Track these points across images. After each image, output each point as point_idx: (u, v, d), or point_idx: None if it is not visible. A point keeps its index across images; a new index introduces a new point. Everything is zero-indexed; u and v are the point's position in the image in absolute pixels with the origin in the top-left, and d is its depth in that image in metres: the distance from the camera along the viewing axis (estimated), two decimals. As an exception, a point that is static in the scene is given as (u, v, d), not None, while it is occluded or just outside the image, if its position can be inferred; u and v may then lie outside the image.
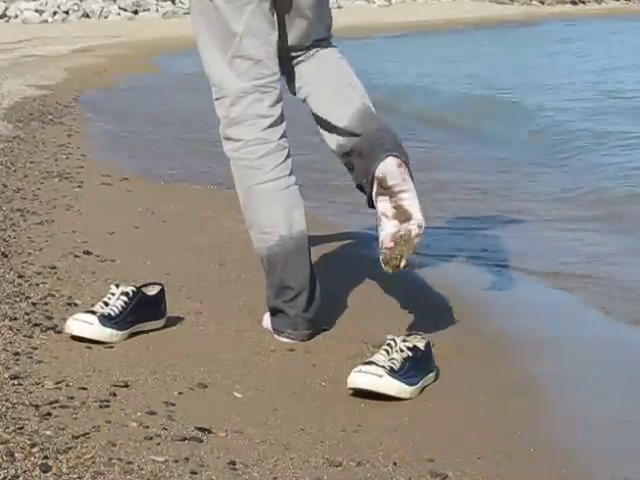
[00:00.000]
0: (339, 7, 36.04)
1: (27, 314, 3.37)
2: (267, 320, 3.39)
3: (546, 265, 4.45)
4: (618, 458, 2.56)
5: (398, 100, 11.14)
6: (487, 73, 14.98)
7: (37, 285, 3.72)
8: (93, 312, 3.21)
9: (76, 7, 32.09)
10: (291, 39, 3.29)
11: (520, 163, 7.45)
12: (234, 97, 3.21)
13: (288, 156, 3.27)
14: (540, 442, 2.60)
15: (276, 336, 3.32)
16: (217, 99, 3.27)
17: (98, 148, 7.46)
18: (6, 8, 31.05)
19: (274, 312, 3.32)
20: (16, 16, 30.94)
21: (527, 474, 2.44)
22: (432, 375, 2.99)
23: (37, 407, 2.61)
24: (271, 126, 3.24)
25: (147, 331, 3.30)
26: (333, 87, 3.28)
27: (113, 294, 3.27)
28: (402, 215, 3.06)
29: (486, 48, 21.52)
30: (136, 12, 32.82)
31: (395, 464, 2.44)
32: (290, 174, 3.27)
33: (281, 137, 3.26)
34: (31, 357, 2.99)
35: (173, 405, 2.70)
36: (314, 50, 3.32)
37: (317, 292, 3.31)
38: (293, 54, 3.32)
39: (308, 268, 3.27)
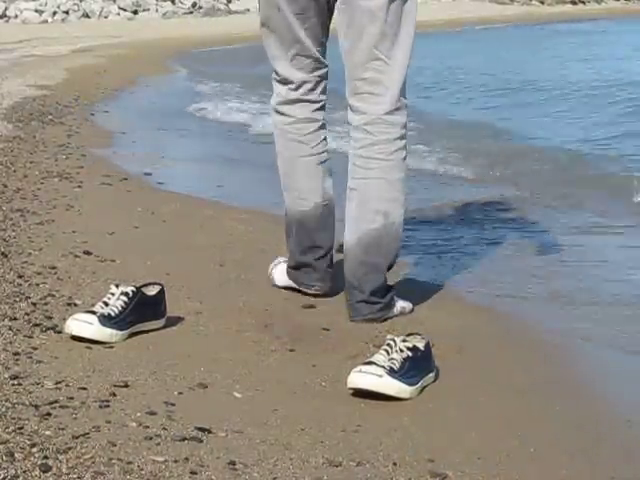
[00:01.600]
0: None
1: (27, 314, 3.37)
2: (281, 273, 3.80)
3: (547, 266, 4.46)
4: (618, 458, 2.56)
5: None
6: None
7: (37, 285, 3.72)
8: (93, 312, 3.21)
9: (76, 7, 32.08)
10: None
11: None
12: (295, 84, 3.69)
13: (326, 136, 3.77)
14: (540, 442, 2.60)
15: (302, 289, 3.74)
16: (277, 81, 3.75)
17: (100, 149, 7.47)
18: (6, 8, 31.05)
19: (300, 267, 3.74)
20: (16, 16, 30.94)
21: (527, 474, 2.44)
22: (432, 375, 2.99)
23: (37, 407, 2.60)
24: (319, 109, 3.73)
25: (147, 331, 3.30)
26: (359, 205, 3.53)
27: (113, 294, 3.27)
28: None
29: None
30: (136, 12, 32.82)
31: (395, 464, 2.44)
32: (326, 150, 3.76)
33: (323, 121, 3.75)
34: (31, 357, 2.99)
35: (173, 405, 2.70)
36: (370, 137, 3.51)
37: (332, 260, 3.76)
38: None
39: (333, 230, 3.75)
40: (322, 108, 3.73)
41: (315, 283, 3.73)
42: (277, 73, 3.71)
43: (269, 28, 3.65)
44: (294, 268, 3.75)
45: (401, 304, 3.62)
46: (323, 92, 3.72)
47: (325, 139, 3.75)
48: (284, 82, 3.70)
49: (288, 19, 3.58)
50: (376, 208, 3.48)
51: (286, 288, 3.81)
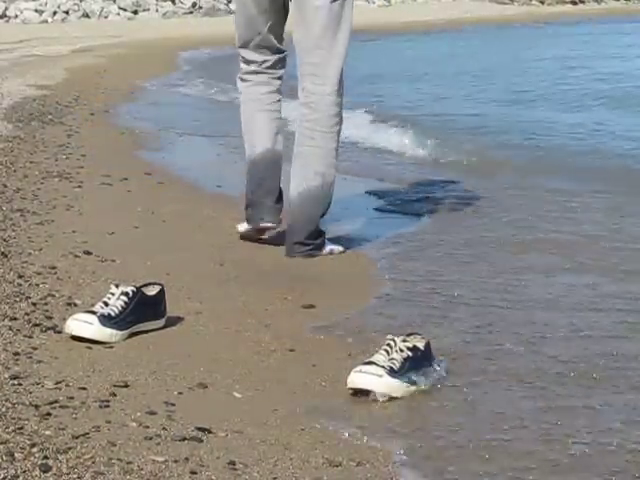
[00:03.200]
0: (339, 7, 36.00)
1: (27, 314, 3.37)
2: (242, 225, 4.57)
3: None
4: (618, 459, 2.55)
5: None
6: None
7: (37, 285, 3.72)
8: (93, 312, 3.21)
9: (76, 7, 32.07)
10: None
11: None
12: (258, 63, 4.53)
13: (280, 103, 4.54)
14: (540, 442, 2.60)
15: (253, 226, 4.53)
16: (242, 61, 4.58)
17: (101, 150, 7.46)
18: (6, 8, 31.04)
19: (252, 204, 4.50)
20: (16, 16, 30.92)
21: (527, 474, 2.44)
22: (432, 375, 2.99)
23: (37, 407, 2.61)
24: (275, 79, 4.54)
25: (147, 331, 3.30)
26: (302, 166, 4.35)
27: (113, 294, 3.27)
28: None
29: None
30: (136, 12, 32.80)
31: (395, 464, 2.44)
32: (280, 116, 4.55)
33: (278, 87, 4.55)
34: (31, 357, 2.99)
35: (173, 405, 2.70)
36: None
37: (282, 196, 4.52)
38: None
39: (279, 175, 4.52)
40: (278, 79, 4.55)
41: (263, 216, 4.47)
42: (242, 56, 4.57)
43: (237, 20, 4.56)
44: (247, 207, 4.51)
45: (330, 247, 4.41)
46: (281, 67, 4.57)
47: (279, 101, 4.53)
48: (247, 62, 4.57)
49: (253, 14, 4.46)
50: (315, 170, 4.29)
51: (245, 238, 4.59)
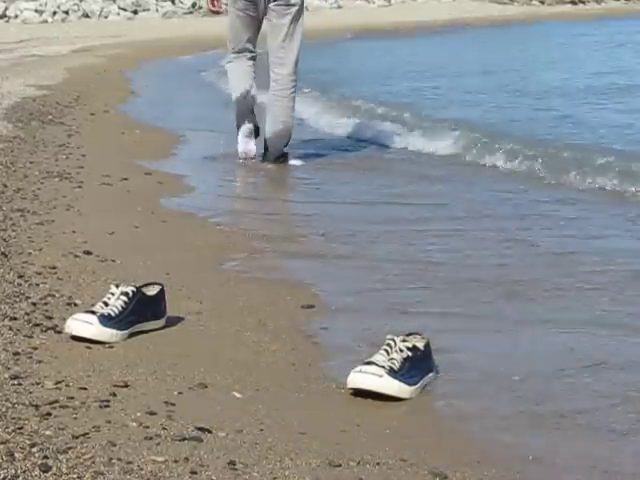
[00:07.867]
0: (339, 7, 36.04)
1: (27, 314, 3.37)
2: (241, 144, 7.17)
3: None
4: (617, 461, 2.55)
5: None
6: None
7: (37, 285, 3.72)
8: (93, 312, 3.21)
9: (76, 7, 32.08)
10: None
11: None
12: (237, 54, 7.13)
13: (254, 67, 7.12)
14: (540, 442, 2.60)
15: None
16: (229, 50, 7.18)
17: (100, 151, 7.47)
18: (6, 8, 31.05)
19: (238, 127, 7.19)
20: (16, 16, 30.93)
21: (527, 475, 2.44)
22: (432, 375, 2.99)
23: (37, 407, 2.61)
24: (249, 58, 7.12)
25: (147, 331, 3.30)
26: (271, 117, 7.05)
27: (113, 294, 3.27)
28: None
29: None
30: (136, 12, 32.81)
31: (395, 464, 2.44)
32: (253, 75, 7.11)
33: (253, 61, 7.12)
34: (31, 357, 2.99)
35: (173, 405, 2.70)
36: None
37: (258, 130, 7.19)
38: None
39: (254, 113, 7.15)
40: (252, 59, 7.11)
41: (243, 138, 7.15)
42: (231, 47, 7.14)
43: (229, 33, 7.12)
44: (237, 127, 7.18)
45: (292, 161, 7.05)
46: (252, 59, 7.13)
47: (253, 65, 7.08)
48: (232, 51, 7.13)
49: (239, 27, 7.04)
50: (280, 120, 6.97)
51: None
